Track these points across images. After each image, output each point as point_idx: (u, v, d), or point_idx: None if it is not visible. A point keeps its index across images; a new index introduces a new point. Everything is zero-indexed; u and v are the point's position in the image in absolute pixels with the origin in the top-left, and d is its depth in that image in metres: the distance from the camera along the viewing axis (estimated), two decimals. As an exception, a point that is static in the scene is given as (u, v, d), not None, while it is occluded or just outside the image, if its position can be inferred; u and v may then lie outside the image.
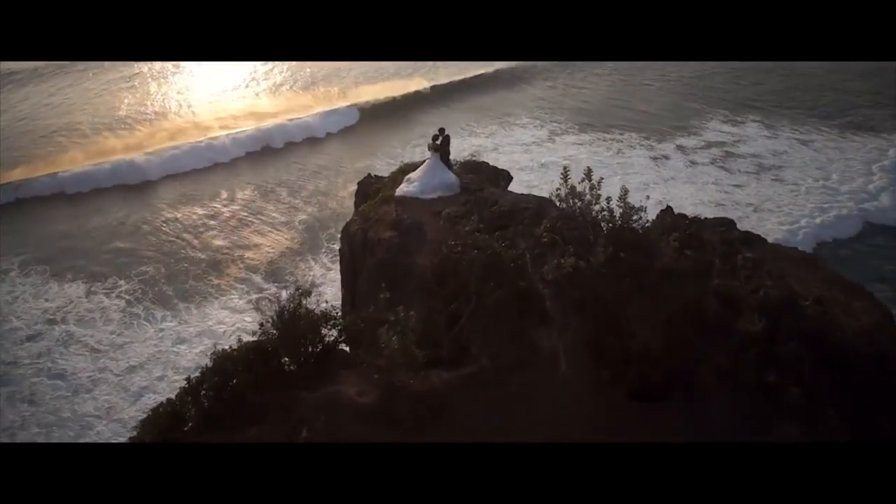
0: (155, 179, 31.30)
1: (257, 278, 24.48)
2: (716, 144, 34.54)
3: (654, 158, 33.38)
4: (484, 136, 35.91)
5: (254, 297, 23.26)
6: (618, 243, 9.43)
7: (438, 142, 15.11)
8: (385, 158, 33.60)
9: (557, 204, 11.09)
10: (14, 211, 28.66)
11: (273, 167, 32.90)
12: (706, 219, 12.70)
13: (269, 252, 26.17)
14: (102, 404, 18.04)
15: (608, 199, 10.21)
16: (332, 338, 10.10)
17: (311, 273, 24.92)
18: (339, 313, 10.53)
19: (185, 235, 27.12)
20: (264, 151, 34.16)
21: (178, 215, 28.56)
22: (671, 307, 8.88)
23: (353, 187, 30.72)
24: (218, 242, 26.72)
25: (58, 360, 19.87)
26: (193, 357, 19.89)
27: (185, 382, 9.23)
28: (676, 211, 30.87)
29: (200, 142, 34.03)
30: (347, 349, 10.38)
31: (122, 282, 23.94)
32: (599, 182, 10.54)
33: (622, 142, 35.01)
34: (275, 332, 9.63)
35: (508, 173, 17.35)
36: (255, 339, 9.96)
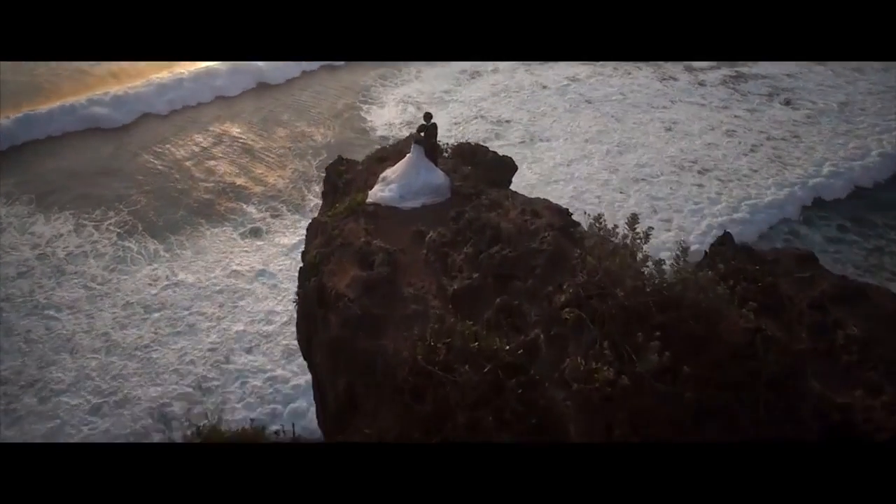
0: (150, 112, 29.71)
1: (250, 209, 23.88)
2: (726, 63, 32.88)
3: (662, 80, 31.87)
4: (483, 54, 34.06)
5: (247, 226, 22.94)
6: (673, 333, 6.41)
7: (423, 133, 11.90)
8: (381, 88, 32.15)
9: (585, 240, 7.99)
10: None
11: (270, 98, 31.33)
12: (778, 251, 9.52)
13: (261, 181, 25.45)
14: (101, 341, 17.94)
15: (660, 262, 7.13)
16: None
17: (304, 202, 24.37)
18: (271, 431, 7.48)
19: (176, 165, 26.25)
20: (262, 83, 32.35)
21: (168, 146, 27.54)
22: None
23: (346, 112, 30.02)
24: (208, 173, 25.92)
25: (51, 296, 19.59)
26: (188, 294, 19.69)
27: None
28: (685, 139, 29.12)
29: (192, 72, 32.07)
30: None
31: (111, 213, 23.34)
32: (647, 234, 7.56)
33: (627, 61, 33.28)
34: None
35: (512, 162, 14.11)
36: None
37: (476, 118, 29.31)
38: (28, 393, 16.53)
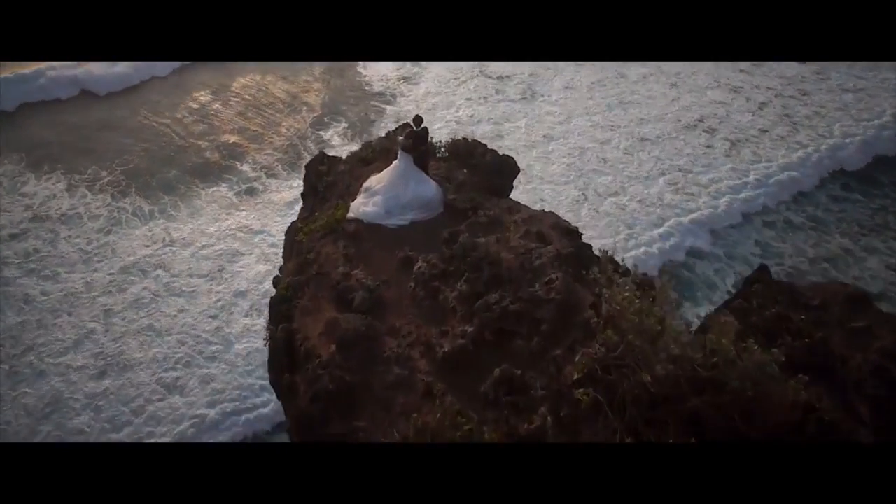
0: (145, 70, 28.56)
1: (244, 167, 23.42)
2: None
3: (668, 31, 30.84)
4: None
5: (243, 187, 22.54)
6: (711, 423, 5.33)
7: (412, 140, 10.38)
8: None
9: (598, 289, 6.59)
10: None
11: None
12: (824, 289, 7.92)
13: (255, 139, 24.88)
14: (99, 307, 17.78)
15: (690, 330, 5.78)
16: None
17: (300, 160, 23.87)
18: None
19: (169, 124, 25.58)
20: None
21: (162, 104, 26.79)
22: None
23: (341, 65, 29.06)
24: (201, 131, 25.33)
25: (47, 259, 19.35)
26: (185, 255, 19.47)
27: None
28: (691, 94, 27.50)
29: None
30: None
31: (104, 172, 22.88)
32: (677, 301, 6.22)
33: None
34: None
35: (514, 164, 12.48)
36: None
37: (476, 73, 28.47)
38: (30, 356, 16.45)
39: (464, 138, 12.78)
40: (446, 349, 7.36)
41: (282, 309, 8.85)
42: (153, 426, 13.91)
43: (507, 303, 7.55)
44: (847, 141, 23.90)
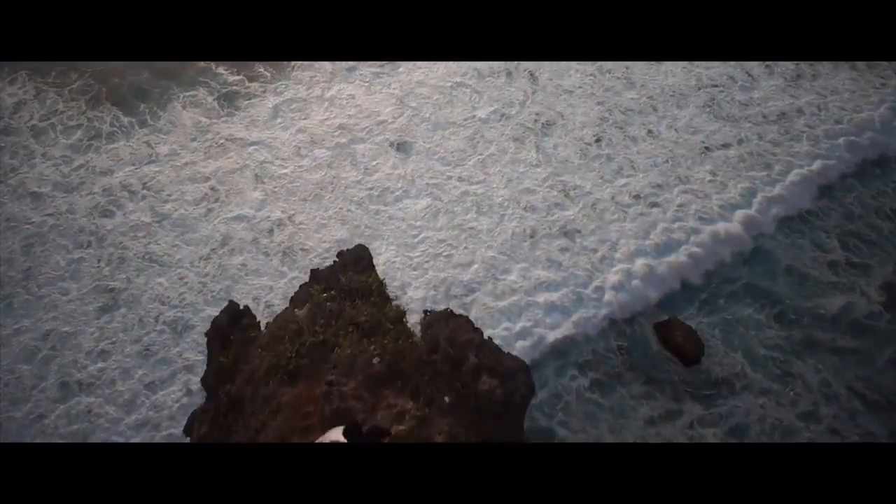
0: None
1: (221, 69, 21.47)
2: None
3: None
4: None
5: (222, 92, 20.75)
6: None
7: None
8: None
9: None
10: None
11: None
12: None
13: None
14: (88, 232, 17.05)
15: None
16: None
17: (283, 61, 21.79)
18: None
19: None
20: None
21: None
22: None
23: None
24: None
25: (26, 178, 18.31)
26: (172, 175, 18.43)
27: None
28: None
29: None
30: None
31: (73, 75, 21.03)
32: None
33: None
34: None
35: (525, 381, 7.96)
36: None
37: None
38: (23, 285, 16.05)
39: (448, 312, 8.23)
40: None
41: None
42: (163, 374, 13.92)
43: None
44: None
